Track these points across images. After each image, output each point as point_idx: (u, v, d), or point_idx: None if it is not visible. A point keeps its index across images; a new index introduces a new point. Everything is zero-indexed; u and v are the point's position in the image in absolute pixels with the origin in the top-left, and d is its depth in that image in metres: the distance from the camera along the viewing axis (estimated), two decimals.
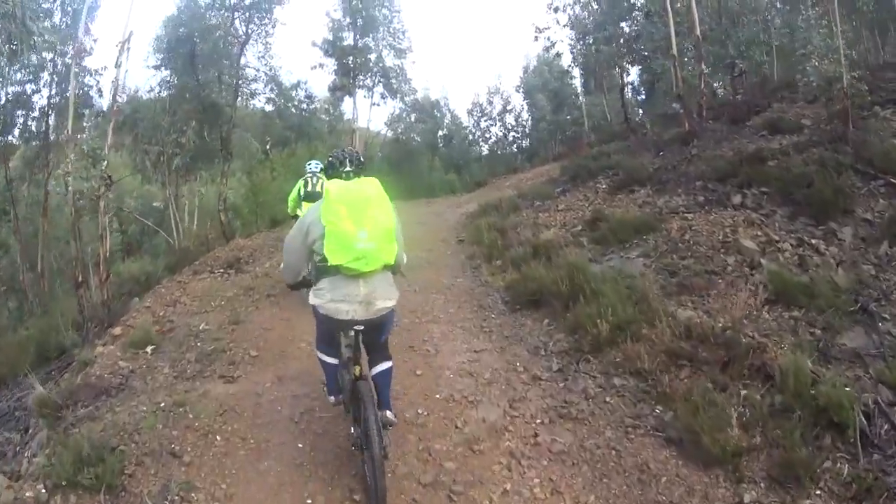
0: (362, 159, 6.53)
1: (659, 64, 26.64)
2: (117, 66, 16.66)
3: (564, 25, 33.72)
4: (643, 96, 40.32)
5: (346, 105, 41.23)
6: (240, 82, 28.27)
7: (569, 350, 9.74)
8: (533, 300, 11.72)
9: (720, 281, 10.78)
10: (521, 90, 47.21)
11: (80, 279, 16.14)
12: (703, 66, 20.68)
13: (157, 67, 27.05)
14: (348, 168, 6.32)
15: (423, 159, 44.01)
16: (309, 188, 13.38)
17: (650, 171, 17.53)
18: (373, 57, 38.93)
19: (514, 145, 47.26)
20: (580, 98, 44.78)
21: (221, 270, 16.27)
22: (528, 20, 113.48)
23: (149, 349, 10.73)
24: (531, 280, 11.98)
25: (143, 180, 31.02)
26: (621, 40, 29.26)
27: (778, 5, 29.28)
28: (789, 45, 24.59)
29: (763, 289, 10.09)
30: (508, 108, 46.83)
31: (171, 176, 28.09)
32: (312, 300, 5.96)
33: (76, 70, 20.76)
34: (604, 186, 18.48)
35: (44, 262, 23.32)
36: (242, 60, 28.36)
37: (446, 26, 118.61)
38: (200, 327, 11.75)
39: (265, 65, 30.62)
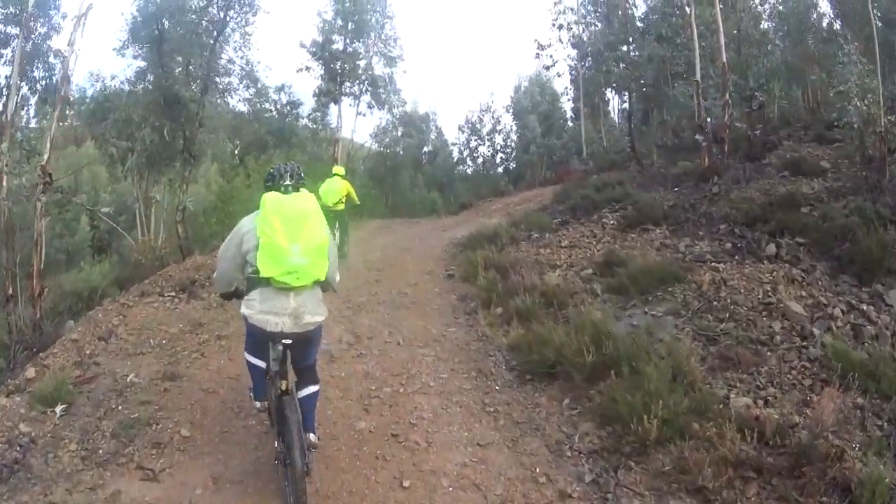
0: (303, 175, 6.25)
1: (679, 91, 25.74)
2: (70, 44, 14.77)
3: (569, 42, 34.09)
4: (637, 124, 37.07)
5: (331, 113, 39.23)
6: (211, 75, 24.18)
7: (602, 450, 7.35)
8: (547, 369, 9.19)
9: (769, 353, 9.21)
10: (512, 111, 46.59)
11: (9, 292, 14.45)
12: (727, 96, 18.70)
13: (119, 50, 24.33)
14: (287, 182, 6.02)
15: (406, 175, 42.87)
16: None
17: (665, 209, 16.02)
18: (362, 63, 37.60)
19: (501, 167, 46.68)
20: (578, 122, 43.44)
21: (172, 294, 13.87)
22: (526, 37, 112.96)
23: (59, 409, 8.43)
24: (544, 342, 9.46)
25: (111, 178, 28.40)
26: (624, 63, 28.20)
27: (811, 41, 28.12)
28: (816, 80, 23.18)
29: (821, 367, 8.79)
30: (498, 127, 46.43)
31: (136, 176, 26.05)
32: (243, 310, 5.83)
33: (22, 43, 18.23)
34: (612, 222, 16.70)
35: None
36: (217, 50, 24.83)
37: (439, 38, 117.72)
38: (129, 378, 9.42)
39: (242, 58, 27.12)
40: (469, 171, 46.84)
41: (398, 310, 12.51)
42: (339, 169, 18.76)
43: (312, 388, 6.29)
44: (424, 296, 13.91)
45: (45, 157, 14.05)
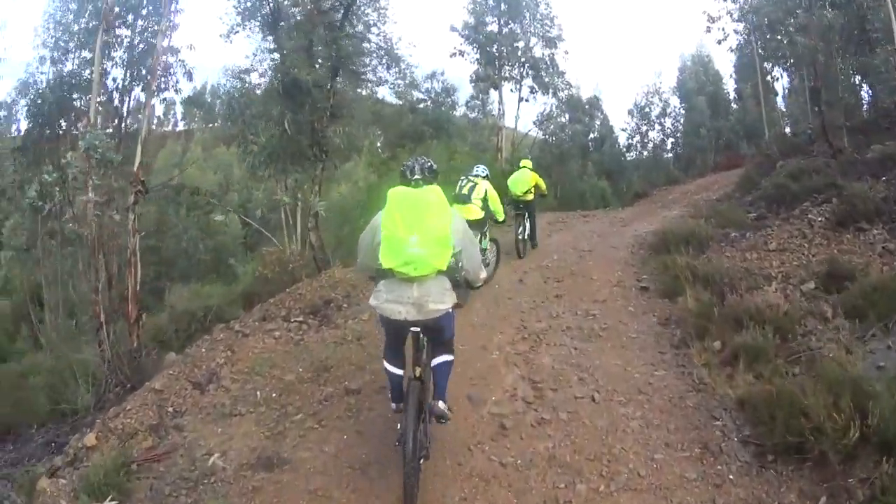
0: (435, 168, 6.36)
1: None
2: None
3: (738, 13, 31.06)
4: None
5: (492, 99, 36.80)
6: (341, 56, 19.99)
7: None
8: (795, 444, 6.24)
9: None
10: (678, 93, 43.43)
11: (101, 319, 13.05)
12: None
13: (227, 35, 20.73)
14: (417, 176, 6.13)
15: (574, 164, 39.54)
16: (457, 190, 12.83)
17: (877, 202, 12.93)
18: (520, 45, 34.84)
19: (671, 152, 43.82)
20: (742, 102, 41.46)
21: (299, 319, 11.69)
22: (687, 12, 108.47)
23: None
24: (787, 403, 6.55)
25: (252, 179, 26.33)
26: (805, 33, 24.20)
27: None
28: None
29: None
30: (668, 110, 43.29)
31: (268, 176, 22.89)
32: (371, 301, 5.99)
33: (103, 37, 16.97)
34: (819, 219, 13.43)
35: (54, 294, 19.00)
36: (345, 27, 20.63)
37: (596, 17, 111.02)
38: (209, 463, 7.06)
39: (378, 34, 23.05)
40: (638, 157, 43.58)
41: (588, 341, 9.96)
42: (526, 161, 17.96)
43: (446, 357, 6.26)
44: (618, 318, 11.02)
45: (137, 162, 13.02)
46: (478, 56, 34.48)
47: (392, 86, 25.37)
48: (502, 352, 9.30)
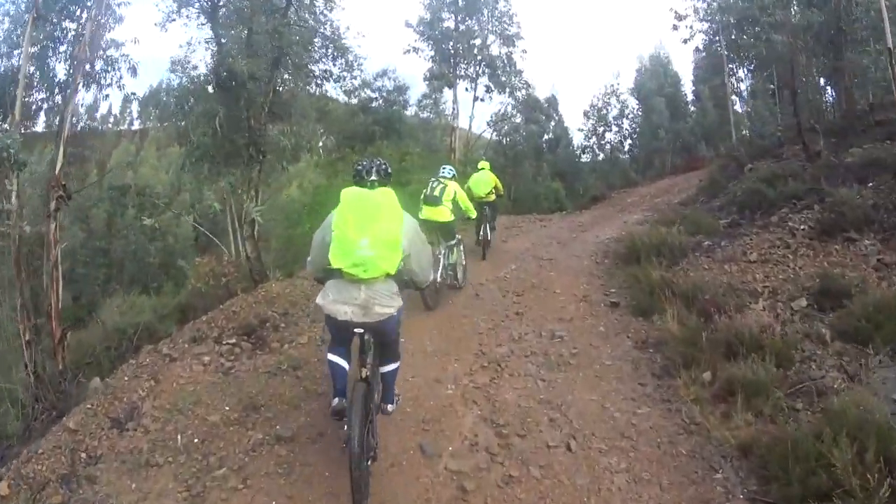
0: (389, 170, 6.42)
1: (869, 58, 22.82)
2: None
3: (709, 15, 31.18)
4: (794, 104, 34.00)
5: (444, 99, 35.88)
6: (283, 47, 17.89)
7: None
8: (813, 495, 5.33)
9: None
10: (636, 94, 43.21)
11: (26, 336, 12.10)
12: None
13: (163, 24, 18.56)
14: (373, 178, 6.18)
15: (528, 166, 39.23)
16: (428, 191, 12.59)
17: (866, 210, 12.07)
18: (477, 42, 34.37)
19: (628, 154, 43.47)
20: (700, 104, 41.68)
21: (231, 341, 10.21)
22: (646, 13, 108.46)
23: None
24: (802, 452, 5.74)
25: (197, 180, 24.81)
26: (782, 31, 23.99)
27: None
28: None
29: None
30: (626, 112, 43.12)
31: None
32: (318, 300, 5.97)
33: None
34: (802, 227, 12.62)
35: None
36: (289, 16, 18.68)
37: (554, 15, 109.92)
38: None
39: (325, 22, 21.13)
40: (594, 159, 43.48)
41: (556, 370, 8.76)
42: (484, 163, 18.21)
43: (392, 366, 6.37)
44: (588, 341, 9.88)
45: (58, 166, 12.54)
46: (433, 53, 34.03)
47: (337, 79, 22.93)
48: (459, 385, 8.24)
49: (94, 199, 22.33)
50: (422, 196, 12.62)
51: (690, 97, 43.99)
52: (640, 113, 42.89)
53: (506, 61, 34.71)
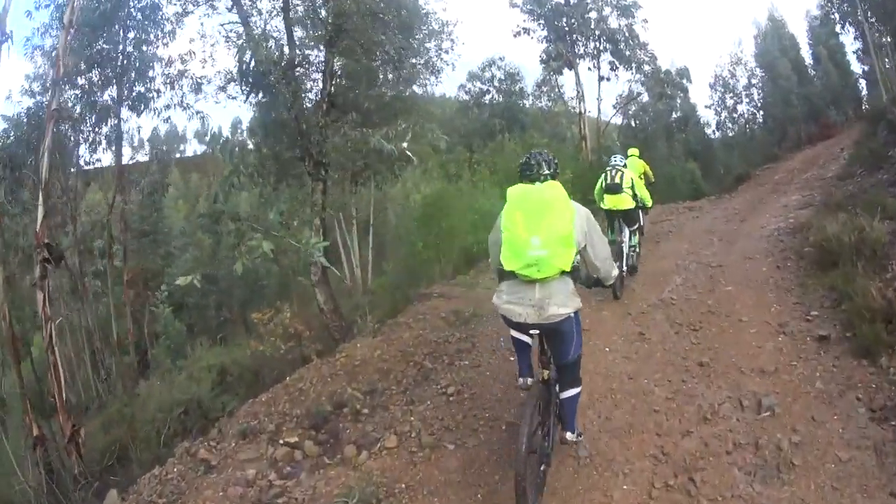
0: (557, 162, 5.86)
1: None
2: None
3: None
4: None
5: (562, 83, 32.98)
6: (339, 22, 13.69)
7: None
8: None
9: None
10: (758, 61, 39.26)
11: (35, 432, 10.33)
12: None
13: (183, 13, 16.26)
14: (546, 171, 5.65)
15: (659, 147, 35.70)
16: (608, 181, 11.58)
17: None
18: (593, 16, 30.91)
19: (759, 126, 39.11)
20: (820, 67, 37.75)
21: (293, 440, 7.52)
22: None
23: None
24: None
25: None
26: None
27: None
28: None
29: None
30: (754, 81, 39.16)
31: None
32: (494, 300, 5.74)
33: None
34: None
35: None
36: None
37: None
38: None
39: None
40: (725, 135, 39.95)
41: (776, 481, 5.65)
42: (634, 150, 16.38)
43: (573, 391, 5.89)
44: (807, 412, 6.60)
45: (39, 219, 10.76)
46: (545, 33, 30.69)
47: (434, 71, 19.21)
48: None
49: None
50: (599, 186, 11.93)
51: (809, 60, 39.58)
52: (767, 81, 38.76)
53: (626, 34, 31.26)
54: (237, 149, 13.26)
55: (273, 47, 13.13)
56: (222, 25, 14.68)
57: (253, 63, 12.79)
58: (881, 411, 6.32)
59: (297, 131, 13.36)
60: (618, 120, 36.83)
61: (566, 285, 5.44)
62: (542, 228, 5.20)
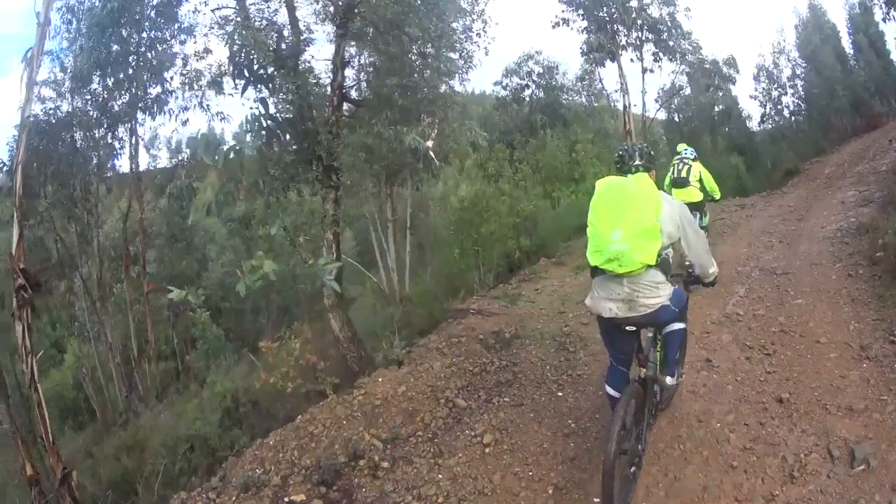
0: (652, 153, 5.75)
1: None
2: None
3: None
4: None
5: (607, 75, 32.03)
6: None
7: None
8: None
9: None
10: (801, 51, 37.31)
11: (28, 471, 9.43)
12: None
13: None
14: (638, 162, 5.56)
15: (704, 142, 34.36)
16: (675, 174, 11.77)
17: None
18: (633, 5, 29.25)
19: (804, 118, 37.28)
20: (860, 54, 36.01)
21: (300, 499, 6.25)
22: None
23: None
24: None
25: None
26: None
27: None
28: None
29: None
30: (798, 71, 37.13)
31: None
32: (587, 300, 5.65)
33: None
34: None
35: None
36: None
37: None
38: None
39: None
40: (771, 127, 37.85)
41: None
42: (682, 145, 14.06)
43: (678, 325, 5.67)
44: None
45: (14, 244, 9.66)
46: (585, 24, 29.10)
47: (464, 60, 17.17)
48: None
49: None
50: (667, 180, 11.90)
51: (849, 50, 37.72)
52: (811, 72, 36.84)
53: (669, 23, 29.78)
54: (232, 153, 12.43)
55: (271, 31, 11.83)
56: (214, 11, 13.16)
57: (243, 52, 11.38)
58: None
59: (304, 131, 11.84)
60: (661, 115, 35.67)
61: (654, 277, 5.24)
62: (623, 222, 5.05)
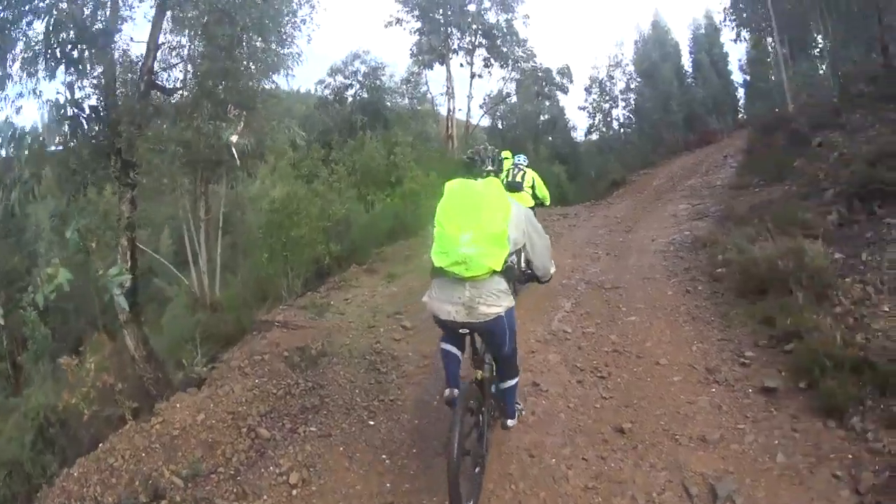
0: (501, 159, 5.93)
1: None
2: None
3: None
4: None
5: (434, 78, 31.91)
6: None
7: None
8: None
9: None
10: (639, 65, 39.04)
11: None
12: None
13: None
14: (490, 168, 5.68)
15: (526, 150, 33.54)
16: (510, 178, 11.57)
17: None
18: (471, 9, 30.15)
19: (633, 130, 39.15)
20: (698, 74, 39.31)
21: None
22: None
23: None
24: None
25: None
26: None
27: None
28: None
29: None
30: (633, 85, 38.82)
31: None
32: (424, 297, 5.59)
33: None
34: None
35: None
36: None
37: None
38: None
39: None
40: (600, 138, 39.21)
41: None
42: (507, 152, 13.79)
43: (511, 382, 5.89)
44: (774, 501, 5.21)
45: None
46: (419, 25, 29.85)
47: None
48: None
49: None
50: (504, 182, 10.67)
51: (687, 69, 40.36)
52: (646, 86, 38.49)
53: (505, 30, 30.56)
54: (35, 145, 11.07)
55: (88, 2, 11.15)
56: None
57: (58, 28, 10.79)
58: (871, 494, 4.93)
59: (105, 120, 11.33)
60: (485, 122, 36.27)
61: (497, 284, 5.26)
62: (473, 225, 5.04)
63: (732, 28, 32.77)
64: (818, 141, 15.90)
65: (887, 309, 7.24)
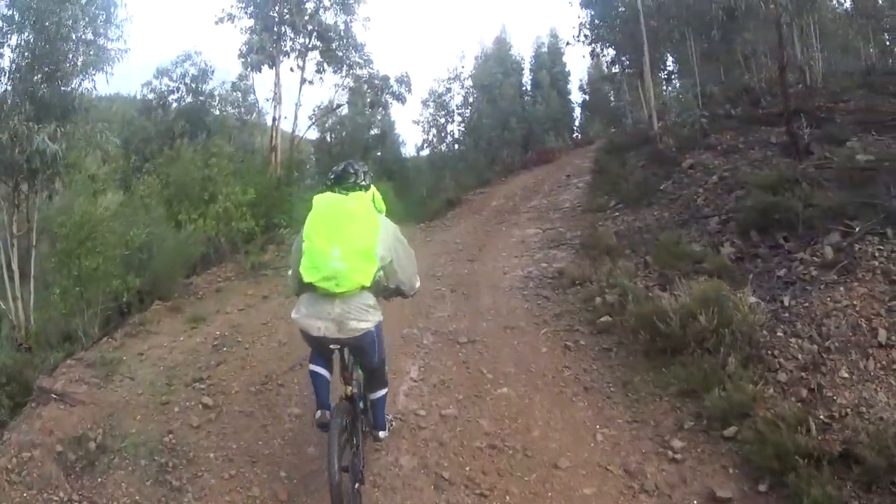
0: (370, 173, 5.92)
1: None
2: None
3: None
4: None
5: (262, 82, 30.42)
6: None
7: None
8: None
9: None
10: (479, 80, 37.58)
11: None
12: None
13: None
14: (362, 182, 5.64)
15: None
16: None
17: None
18: (310, 7, 27.18)
19: (469, 147, 36.91)
20: (539, 92, 38.46)
21: None
22: None
23: None
24: None
25: None
26: None
27: None
28: None
29: None
30: (470, 100, 37.26)
31: None
32: (293, 314, 5.45)
33: None
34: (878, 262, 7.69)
35: None
36: None
37: None
38: None
39: None
40: (433, 153, 37.71)
41: None
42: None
43: (381, 392, 5.95)
44: None
45: None
46: (252, 22, 26.58)
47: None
48: None
49: None
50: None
51: (526, 87, 40.00)
52: (485, 102, 37.44)
53: (343, 32, 28.17)
54: None
55: None
56: None
57: None
58: None
59: None
60: (312, 134, 34.15)
61: (367, 300, 5.19)
62: (342, 240, 4.96)
63: (587, 43, 31.87)
64: (689, 163, 14.98)
65: (846, 375, 6.07)
